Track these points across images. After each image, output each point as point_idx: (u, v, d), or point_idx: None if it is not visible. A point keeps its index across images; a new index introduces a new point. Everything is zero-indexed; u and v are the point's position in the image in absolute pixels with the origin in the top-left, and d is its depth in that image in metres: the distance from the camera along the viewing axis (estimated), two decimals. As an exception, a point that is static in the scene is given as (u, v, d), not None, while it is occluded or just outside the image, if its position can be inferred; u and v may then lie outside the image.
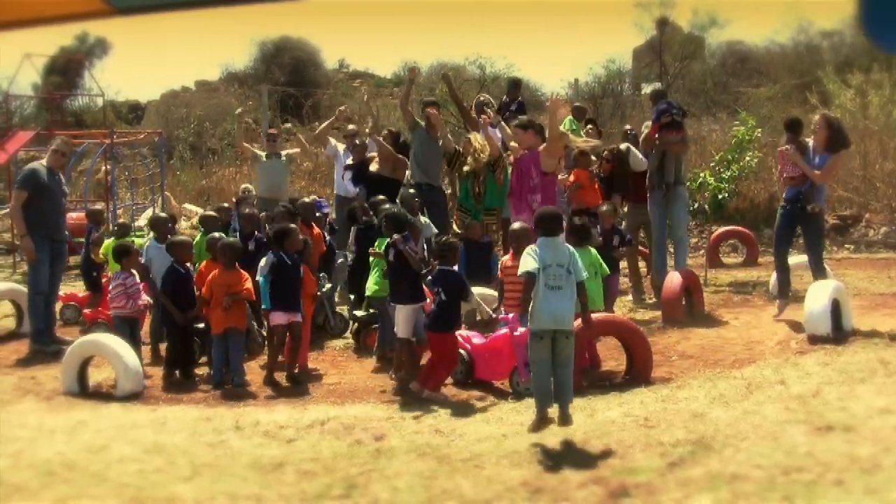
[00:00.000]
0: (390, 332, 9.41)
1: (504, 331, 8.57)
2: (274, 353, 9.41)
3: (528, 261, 6.97)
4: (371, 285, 9.90)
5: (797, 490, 5.63)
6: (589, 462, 6.31)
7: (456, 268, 8.81)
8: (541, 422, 6.90)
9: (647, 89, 13.22)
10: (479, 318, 8.53)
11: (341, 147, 14.16)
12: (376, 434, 7.14)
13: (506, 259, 9.52)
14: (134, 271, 9.70)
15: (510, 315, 8.67)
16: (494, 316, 8.66)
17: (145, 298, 9.71)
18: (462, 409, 7.89)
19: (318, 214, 11.92)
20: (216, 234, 10.32)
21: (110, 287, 9.74)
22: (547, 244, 7.12)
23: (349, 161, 13.42)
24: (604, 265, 9.56)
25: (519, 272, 7.07)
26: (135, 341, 9.40)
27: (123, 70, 77.72)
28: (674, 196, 12.32)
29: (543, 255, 6.99)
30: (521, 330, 8.38)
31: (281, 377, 9.24)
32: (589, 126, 14.28)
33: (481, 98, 13.72)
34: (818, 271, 10.80)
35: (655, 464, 6.20)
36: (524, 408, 7.82)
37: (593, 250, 9.49)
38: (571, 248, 7.32)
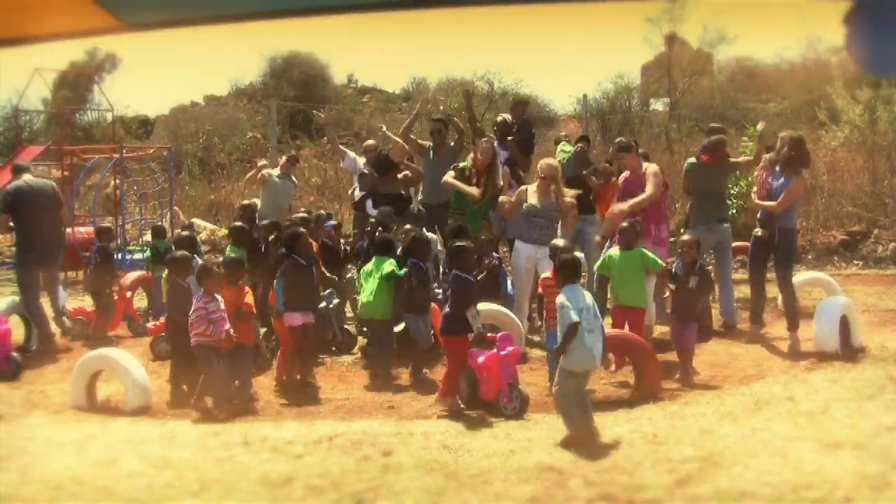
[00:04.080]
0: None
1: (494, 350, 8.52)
2: (293, 354, 9.54)
3: (570, 313, 7.35)
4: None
5: (806, 507, 5.62)
6: (597, 478, 6.30)
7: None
8: (573, 439, 7.24)
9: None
10: (471, 336, 8.49)
11: (361, 161, 14.05)
12: (384, 450, 7.14)
13: (546, 274, 9.52)
14: (218, 296, 8.91)
15: (499, 334, 8.64)
16: (483, 331, 8.60)
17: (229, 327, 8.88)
18: (470, 425, 7.88)
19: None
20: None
21: (191, 311, 8.87)
22: (573, 291, 7.53)
23: (360, 192, 13.35)
24: (657, 260, 9.59)
25: (564, 322, 7.39)
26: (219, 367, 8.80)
27: (133, 85, 77.81)
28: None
29: (575, 303, 7.41)
30: (509, 349, 8.37)
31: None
32: (579, 144, 14.02)
33: (498, 119, 13.75)
34: (786, 291, 10.64)
35: (663, 480, 6.19)
36: (532, 424, 7.83)
37: (641, 249, 9.56)
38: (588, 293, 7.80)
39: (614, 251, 9.65)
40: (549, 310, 9.09)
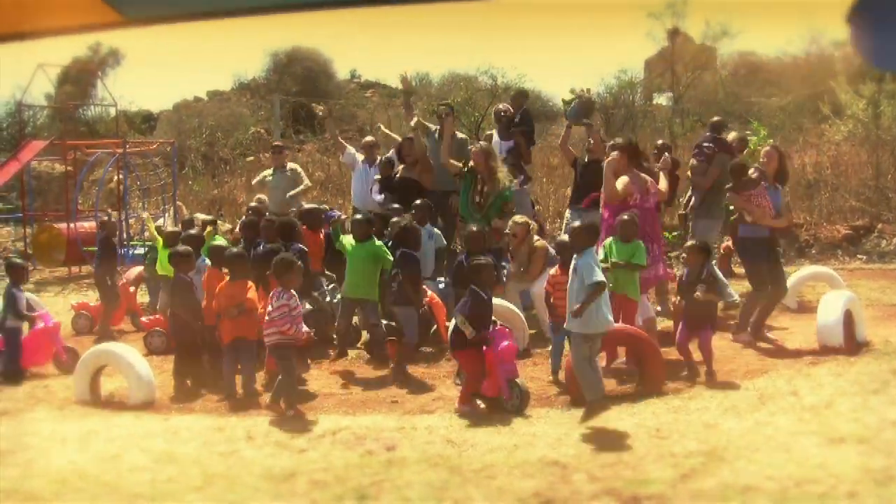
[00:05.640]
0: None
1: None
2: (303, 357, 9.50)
3: (598, 271, 7.65)
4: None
5: (810, 502, 5.62)
6: (601, 473, 6.30)
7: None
8: (598, 409, 7.55)
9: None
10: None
11: (360, 156, 13.98)
12: (388, 444, 7.14)
13: (553, 271, 9.48)
14: (294, 291, 8.63)
15: (496, 329, 8.58)
16: (474, 333, 8.49)
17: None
18: (473, 420, 7.88)
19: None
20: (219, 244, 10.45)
21: (270, 308, 8.49)
22: (593, 254, 7.86)
23: (377, 176, 13.22)
24: (644, 259, 9.45)
25: (594, 280, 7.56)
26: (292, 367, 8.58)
27: (136, 80, 77.92)
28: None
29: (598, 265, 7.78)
30: (503, 344, 8.31)
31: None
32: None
33: (500, 106, 13.75)
34: (782, 289, 10.72)
35: (667, 475, 6.19)
36: (535, 419, 7.83)
37: (638, 242, 9.41)
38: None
39: (610, 241, 9.55)
40: (556, 306, 9.08)
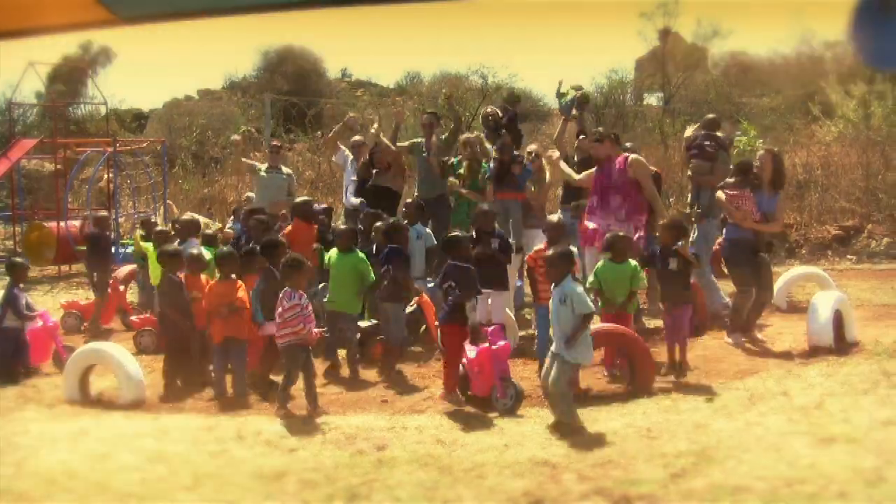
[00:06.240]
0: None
1: (485, 345, 8.36)
2: (271, 360, 9.35)
3: (588, 301, 7.63)
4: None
5: (800, 502, 5.62)
6: (591, 473, 6.30)
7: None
8: (567, 427, 7.41)
9: (688, 131, 12.88)
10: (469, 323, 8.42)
11: (351, 156, 13.99)
12: (378, 444, 7.14)
13: (539, 247, 9.45)
14: (302, 291, 8.49)
15: (491, 328, 8.58)
16: (478, 322, 8.52)
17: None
18: (463, 420, 7.88)
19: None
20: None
21: (281, 309, 8.36)
22: (574, 283, 7.74)
23: (353, 178, 13.25)
24: (643, 280, 9.58)
25: (579, 310, 7.48)
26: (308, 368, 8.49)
27: (127, 79, 77.68)
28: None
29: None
30: (500, 343, 8.29)
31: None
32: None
33: (488, 110, 13.75)
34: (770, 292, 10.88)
35: (658, 475, 6.19)
36: (525, 419, 7.83)
37: (632, 262, 9.35)
38: None
39: (603, 263, 9.47)
40: (541, 285, 9.03)
